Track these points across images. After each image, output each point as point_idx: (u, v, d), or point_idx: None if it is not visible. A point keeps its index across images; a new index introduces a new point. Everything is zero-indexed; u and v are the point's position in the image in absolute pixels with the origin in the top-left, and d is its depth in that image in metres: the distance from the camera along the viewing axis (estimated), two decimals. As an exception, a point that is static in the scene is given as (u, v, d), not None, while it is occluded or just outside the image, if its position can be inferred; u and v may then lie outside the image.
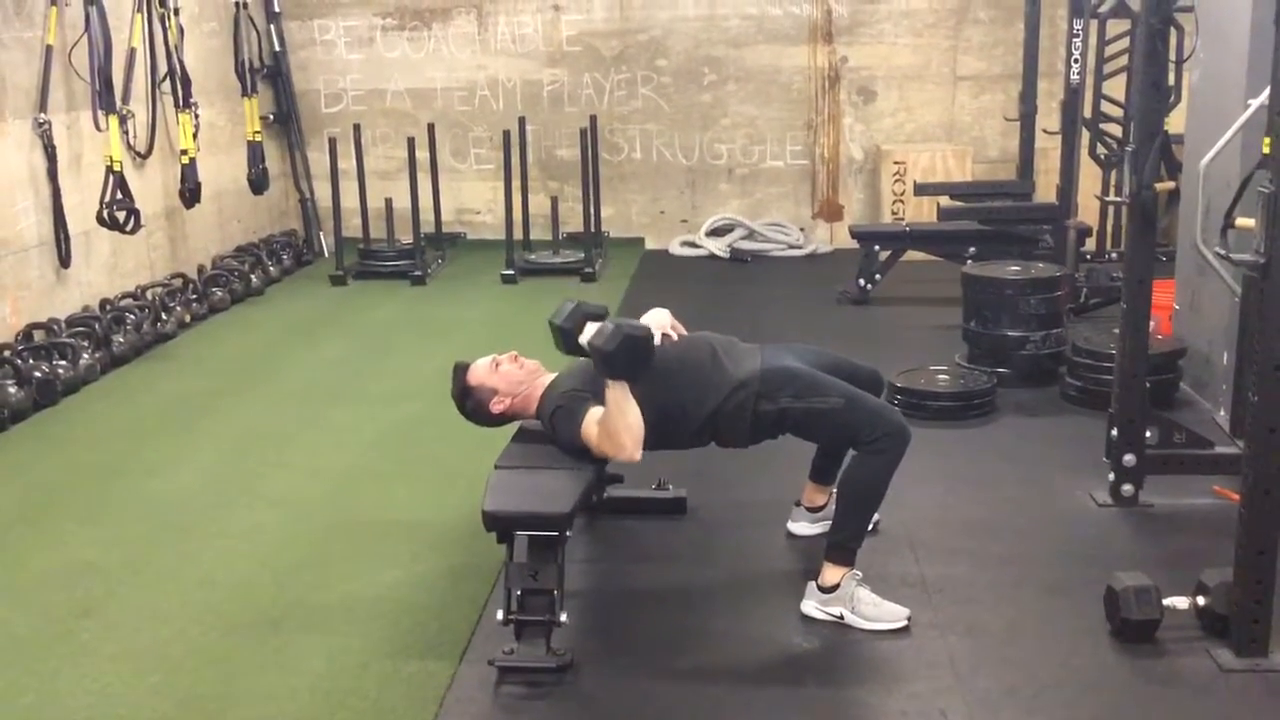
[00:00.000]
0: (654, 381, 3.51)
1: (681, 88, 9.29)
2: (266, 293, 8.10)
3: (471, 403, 3.76)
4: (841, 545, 3.51)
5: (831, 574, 3.48)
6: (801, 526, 4.04)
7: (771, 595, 3.67)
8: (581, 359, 3.66)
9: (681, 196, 9.47)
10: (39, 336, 6.05)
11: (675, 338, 3.73)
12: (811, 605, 3.50)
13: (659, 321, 3.74)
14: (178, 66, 7.38)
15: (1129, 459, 4.19)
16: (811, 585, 3.51)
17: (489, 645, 3.32)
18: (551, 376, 3.76)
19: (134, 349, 6.45)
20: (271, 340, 6.97)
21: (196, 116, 7.56)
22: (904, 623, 3.44)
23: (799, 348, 3.80)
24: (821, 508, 3.96)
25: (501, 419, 3.77)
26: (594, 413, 3.46)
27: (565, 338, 3.54)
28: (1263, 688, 3.10)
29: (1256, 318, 3.15)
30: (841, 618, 3.45)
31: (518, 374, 3.73)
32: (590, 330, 3.45)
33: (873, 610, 3.44)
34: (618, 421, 3.38)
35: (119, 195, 6.66)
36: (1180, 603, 3.30)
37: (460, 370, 3.78)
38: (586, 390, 3.53)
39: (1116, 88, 7.19)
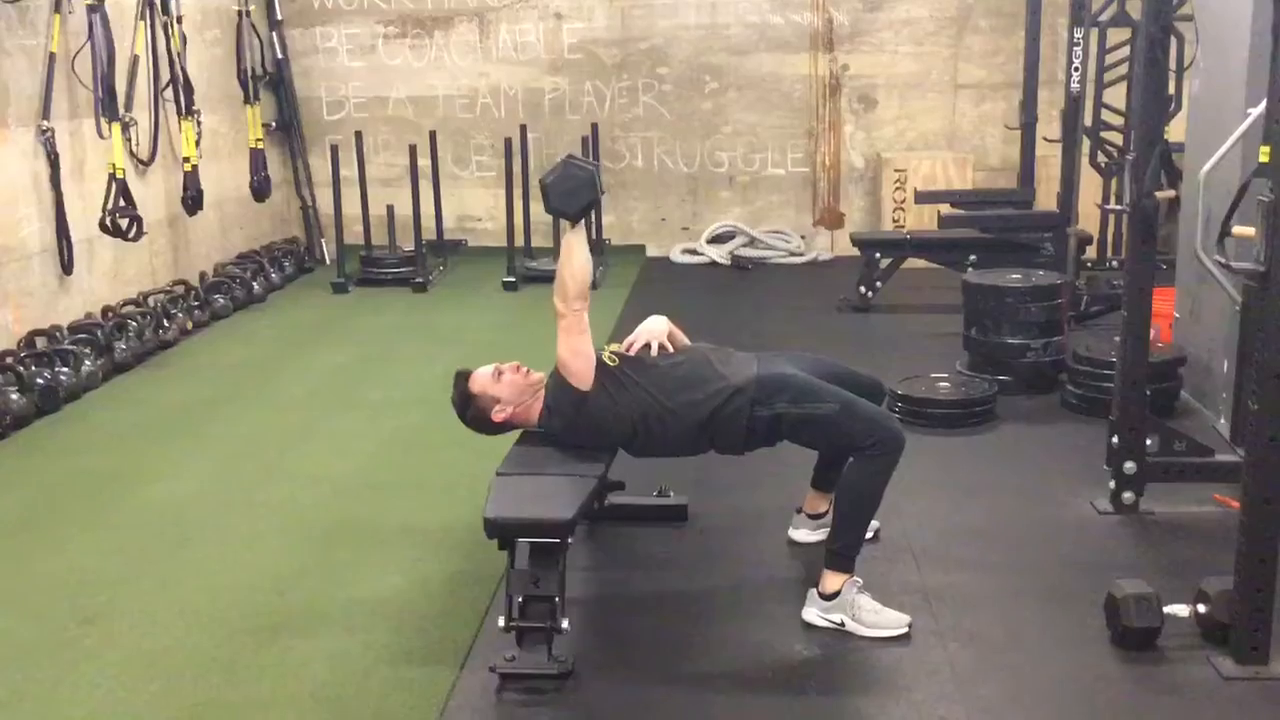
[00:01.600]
0: (652, 387, 3.53)
1: (683, 96, 9.30)
2: (268, 300, 8.11)
3: (473, 411, 3.76)
4: (841, 552, 3.51)
5: (832, 581, 3.48)
6: (803, 534, 4.04)
7: (772, 603, 3.67)
8: None
9: (683, 204, 9.48)
10: (41, 343, 6.05)
11: (670, 349, 3.74)
12: (812, 612, 3.51)
13: (654, 329, 3.75)
14: (180, 74, 7.39)
15: (1130, 467, 4.19)
16: (812, 593, 3.52)
17: (490, 652, 3.32)
18: (553, 384, 3.76)
19: (136, 356, 6.45)
20: (273, 347, 6.98)
21: (199, 124, 7.58)
22: (905, 630, 3.44)
23: (798, 355, 3.82)
24: (823, 514, 3.97)
25: (503, 428, 3.78)
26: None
27: (543, 190, 3.59)
28: (1263, 696, 3.10)
29: (1257, 326, 3.16)
30: (842, 625, 3.45)
31: (521, 383, 3.73)
32: None
33: (873, 617, 3.44)
34: (563, 265, 3.50)
35: (121, 202, 6.67)
36: (1181, 610, 3.30)
37: (461, 378, 3.78)
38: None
39: (1117, 96, 7.20)
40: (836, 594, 3.47)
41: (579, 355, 3.55)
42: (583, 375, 3.56)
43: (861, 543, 3.55)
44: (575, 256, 3.50)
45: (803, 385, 3.56)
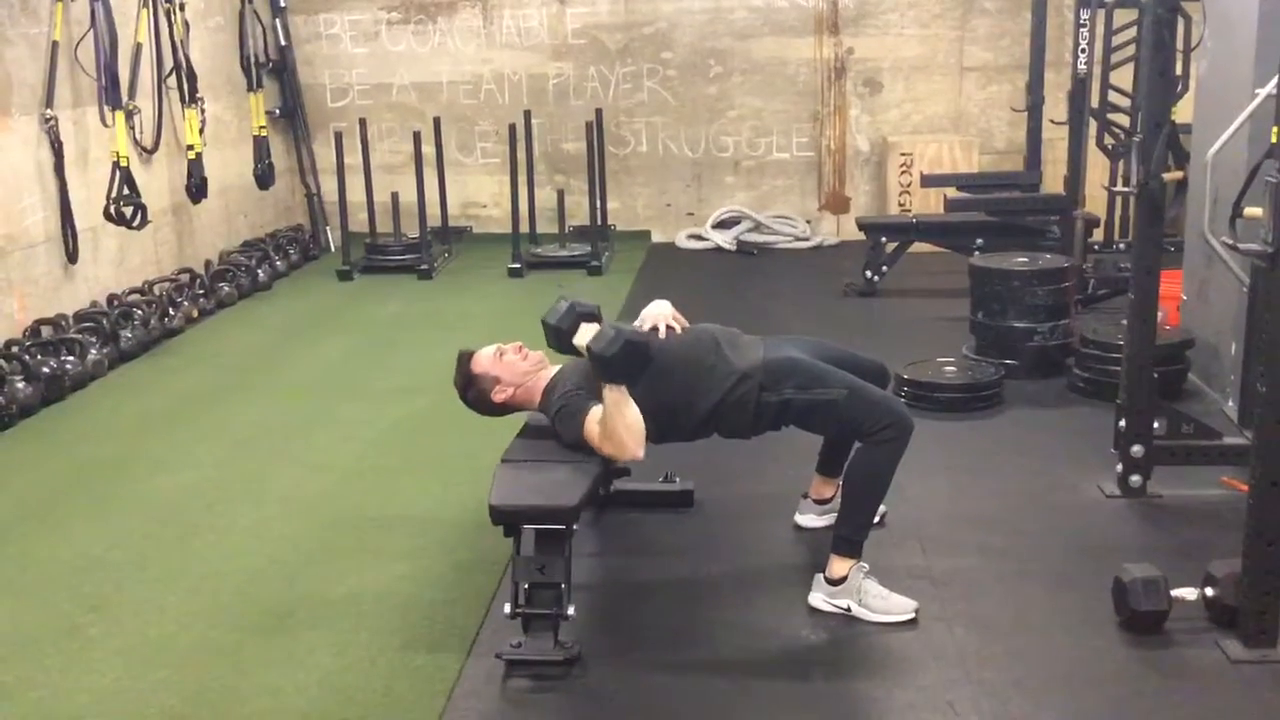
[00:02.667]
0: (657, 375, 3.52)
1: (687, 80, 9.27)
2: (273, 288, 8.11)
3: (474, 391, 3.75)
4: (848, 538, 3.50)
5: (839, 566, 3.48)
6: (809, 519, 4.04)
7: (779, 588, 3.66)
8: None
9: (688, 189, 9.46)
10: (47, 332, 6.07)
11: (678, 330, 3.73)
12: (819, 598, 3.50)
13: (660, 313, 3.74)
14: (183, 61, 7.39)
15: (1137, 450, 4.18)
16: (819, 578, 3.51)
17: (496, 639, 3.32)
18: (555, 369, 3.75)
19: (141, 344, 6.46)
20: (278, 335, 6.98)
21: (202, 112, 7.57)
22: (911, 615, 3.43)
23: (803, 340, 3.80)
24: (829, 500, 3.96)
25: (503, 409, 3.77)
26: (595, 413, 3.46)
27: (559, 338, 3.53)
28: (1271, 679, 3.09)
29: (1264, 308, 3.14)
30: (849, 610, 3.45)
31: (522, 365, 3.73)
32: (587, 333, 3.44)
33: (880, 603, 3.44)
34: (617, 423, 3.38)
35: (125, 191, 6.68)
36: (1188, 594, 3.29)
37: (464, 358, 3.78)
38: (590, 389, 3.53)
39: (1124, 78, 7.16)
40: (843, 579, 3.46)
41: (634, 431, 3.44)
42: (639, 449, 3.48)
43: (869, 528, 3.55)
44: (628, 413, 3.39)
45: (810, 370, 3.55)
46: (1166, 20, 3.90)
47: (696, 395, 3.56)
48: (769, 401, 3.53)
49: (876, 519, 3.74)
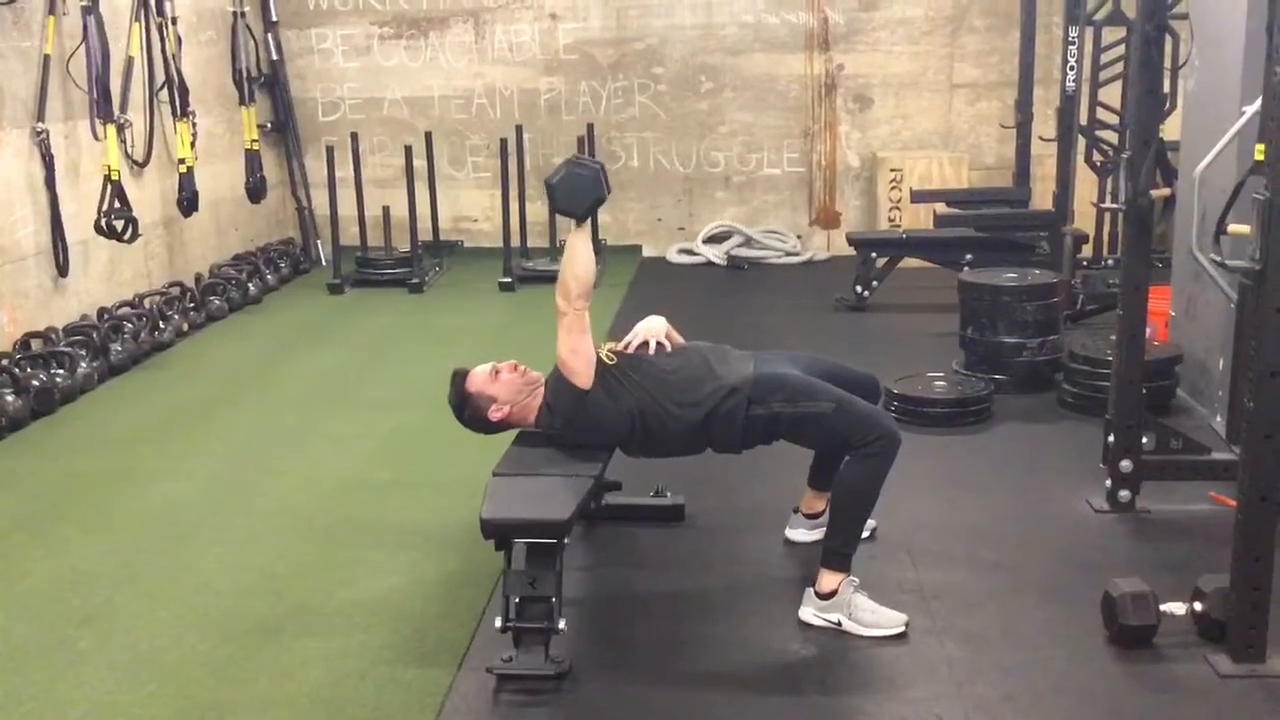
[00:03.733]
0: (650, 386, 3.54)
1: (678, 96, 9.30)
2: (264, 301, 8.10)
3: (469, 410, 3.76)
4: (837, 551, 3.51)
5: (829, 580, 3.49)
6: (800, 533, 4.04)
7: (769, 602, 3.67)
8: None
9: (679, 204, 9.49)
10: (37, 345, 6.05)
11: (668, 347, 3.74)
12: (809, 612, 3.51)
13: (651, 329, 3.76)
14: (175, 75, 7.39)
15: (1126, 465, 4.19)
16: (809, 592, 3.52)
17: (487, 653, 3.32)
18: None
19: (132, 358, 6.45)
20: (269, 349, 6.97)
21: (194, 125, 7.57)
22: (901, 629, 3.44)
23: (795, 355, 3.82)
24: (819, 514, 3.97)
25: (499, 427, 3.77)
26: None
27: (550, 192, 3.59)
28: (1260, 693, 3.10)
29: (1252, 324, 3.16)
30: (839, 624, 3.46)
31: (519, 382, 3.73)
32: None
33: (870, 616, 3.45)
34: (565, 264, 3.51)
35: (117, 204, 6.67)
36: (1177, 608, 3.30)
37: (459, 377, 3.78)
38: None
39: (1112, 95, 7.21)
40: (833, 593, 3.47)
41: (579, 354, 3.55)
42: (583, 374, 3.56)
43: (858, 542, 3.56)
44: (580, 255, 3.52)
45: (799, 384, 3.56)
46: (1154, 38, 3.93)
47: (686, 409, 3.57)
48: (758, 415, 3.55)
49: (866, 533, 3.75)
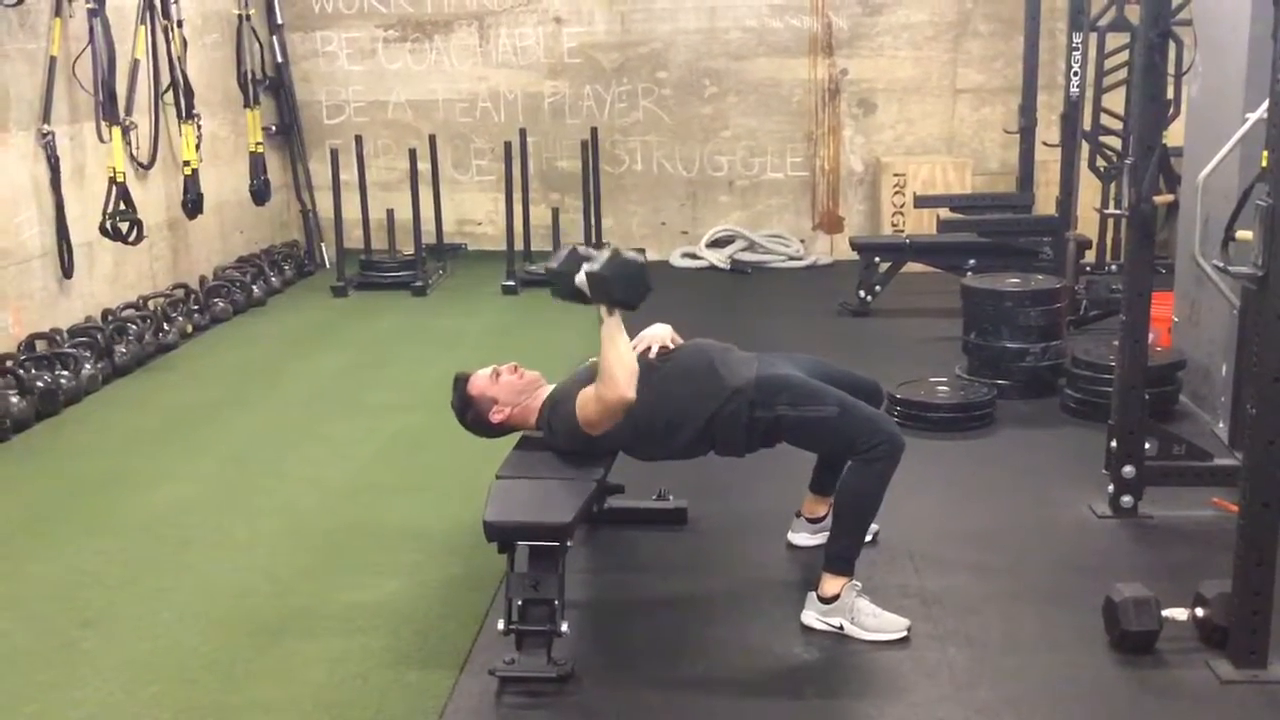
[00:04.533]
0: (653, 390, 3.54)
1: (682, 100, 9.31)
2: (268, 303, 8.12)
3: (472, 413, 3.77)
4: (840, 556, 3.52)
5: (831, 585, 3.49)
6: (802, 537, 4.04)
7: (771, 606, 3.67)
8: (581, 368, 3.70)
9: (682, 208, 9.49)
10: (41, 346, 6.06)
11: (672, 349, 3.74)
12: (811, 616, 3.51)
13: (657, 334, 3.76)
14: (180, 78, 7.41)
15: (1128, 470, 4.20)
16: (811, 596, 3.52)
17: (490, 655, 3.32)
18: (551, 388, 3.77)
19: (136, 359, 6.46)
20: (273, 351, 6.98)
21: (199, 128, 7.59)
22: (904, 633, 3.44)
23: (798, 358, 3.82)
24: (822, 518, 3.97)
25: (501, 429, 3.79)
26: (586, 389, 3.50)
27: (561, 281, 3.52)
28: (1261, 699, 3.10)
29: (1255, 330, 3.16)
30: (841, 628, 3.46)
31: (518, 384, 3.75)
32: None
33: (872, 621, 3.45)
34: (609, 357, 3.40)
35: (122, 206, 6.68)
36: (1179, 614, 3.31)
37: (461, 381, 3.79)
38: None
39: (1116, 101, 7.21)
40: (836, 597, 3.47)
41: (607, 424, 3.52)
42: (600, 431, 3.54)
43: (861, 546, 3.56)
44: (621, 344, 3.44)
45: (803, 387, 3.56)
46: (1158, 44, 3.93)
47: (690, 411, 3.57)
48: (761, 418, 3.54)
49: (869, 538, 3.75)
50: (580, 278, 3.44)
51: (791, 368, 3.67)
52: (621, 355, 3.43)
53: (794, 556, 4.02)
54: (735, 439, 3.60)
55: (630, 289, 3.42)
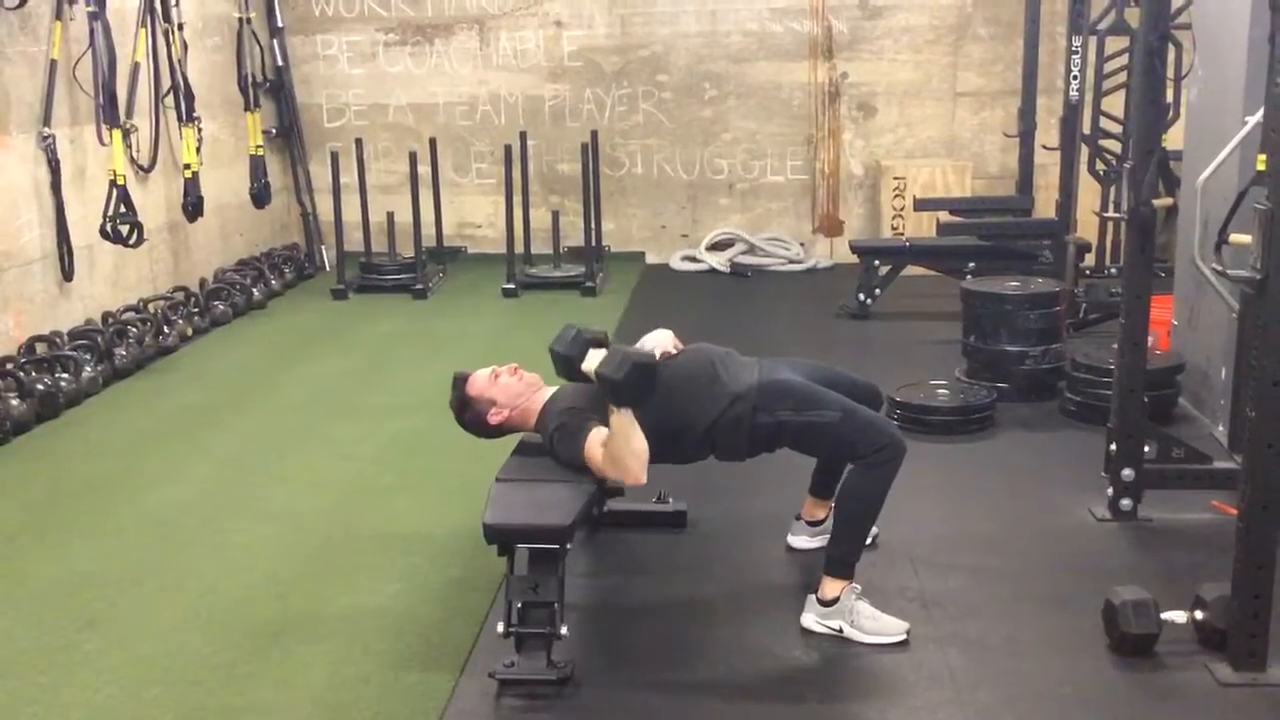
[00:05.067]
0: (656, 396, 3.53)
1: (682, 103, 9.32)
2: (268, 306, 8.12)
3: (470, 414, 3.77)
4: (840, 559, 3.52)
5: (831, 588, 3.49)
6: (801, 540, 4.05)
7: (771, 609, 3.67)
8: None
9: (682, 211, 9.50)
10: (41, 349, 6.07)
11: (674, 354, 3.75)
12: (811, 619, 3.51)
13: (662, 342, 3.76)
14: (181, 81, 7.41)
15: (1127, 474, 4.20)
16: (811, 599, 3.52)
17: (490, 658, 3.33)
18: (551, 390, 3.77)
19: (136, 362, 6.46)
20: (273, 354, 6.99)
21: (199, 130, 7.59)
22: (903, 636, 3.45)
23: (797, 362, 3.82)
24: (821, 521, 3.98)
25: (499, 430, 3.79)
26: (597, 434, 3.47)
27: (567, 365, 3.57)
28: (1260, 702, 3.11)
29: (1254, 333, 3.17)
30: (841, 631, 3.46)
31: (517, 386, 3.75)
32: (595, 358, 3.48)
33: (872, 624, 3.45)
34: (623, 447, 3.40)
35: (122, 209, 6.68)
36: (1178, 617, 3.31)
37: (459, 381, 3.80)
38: (588, 409, 3.55)
39: (1115, 104, 7.22)
40: (835, 600, 3.47)
41: (641, 462, 3.49)
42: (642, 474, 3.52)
43: (861, 550, 3.56)
44: (634, 438, 3.41)
45: (804, 392, 3.56)
46: (1157, 48, 3.94)
47: (692, 417, 3.58)
48: (763, 423, 3.55)
49: (869, 541, 3.75)
50: (588, 366, 3.49)
51: (792, 372, 3.68)
52: (635, 449, 3.40)
53: (794, 559, 4.02)
54: (737, 444, 3.60)
55: (641, 392, 3.42)
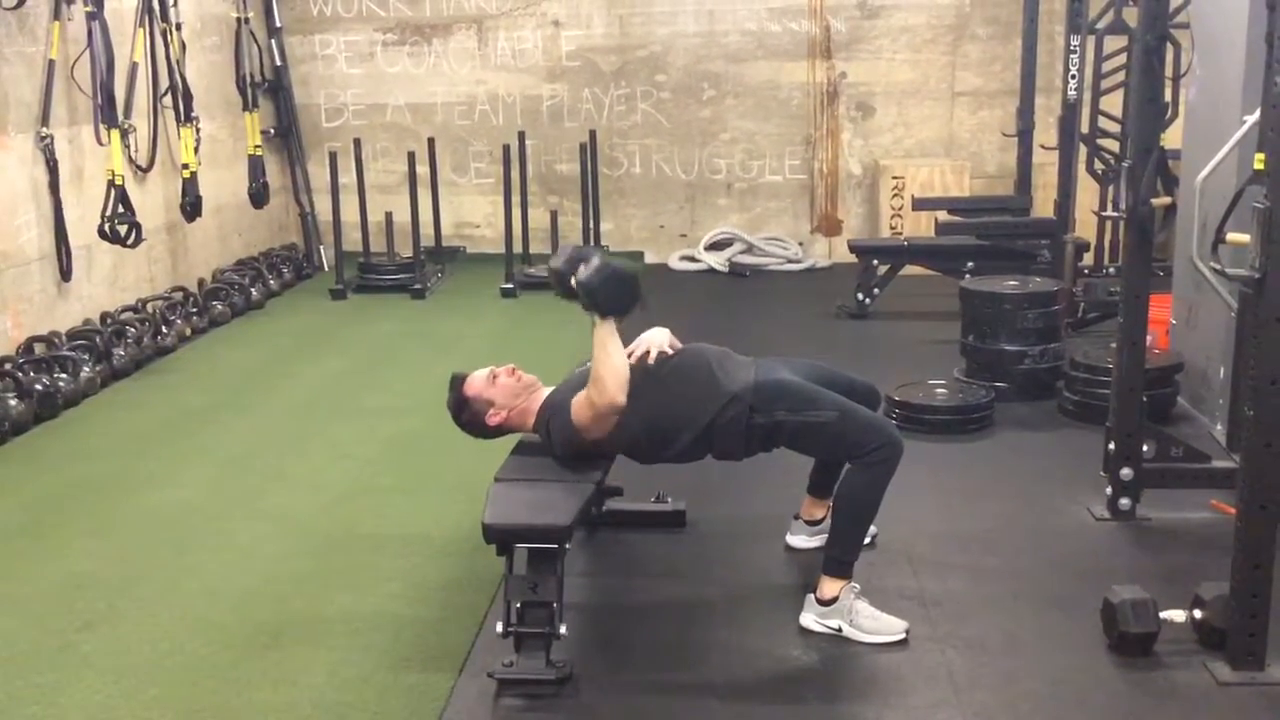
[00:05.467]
0: (652, 395, 3.55)
1: (681, 103, 9.32)
2: (266, 306, 8.12)
3: (468, 415, 3.77)
4: (838, 559, 3.52)
5: (829, 587, 3.49)
6: (800, 539, 4.05)
7: (770, 609, 3.67)
8: (578, 370, 3.71)
9: (680, 211, 9.50)
10: (40, 349, 6.06)
11: (670, 354, 3.75)
12: (810, 618, 3.51)
13: (655, 339, 3.75)
14: (179, 81, 7.41)
15: (1126, 473, 4.20)
16: (810, 598, 3.52)
17: (488, 658, 3.33)
18: (549, 390, 3.77)
19: (134, 362, 6.46)
20: (271, 354, 6.99)
21: (198, 131, 7.59)
22: (902, 635, 3.45)
23: (795, 362, 3.82)
24: (820, 521, 3.98)
25: (497, 431, 3.79)
26: (580, 394, 3.52)
27: (560, 280, 3.54)
28: (1259, 701, 3.11)
29: (1252, 333, 3.17)
30: (840, 630, 3.46)
31: (515, 386, 3.75)
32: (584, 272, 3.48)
33: (871, 623, 3.45)
34: (601, 361, 3.42)
35: (120, 209, 6.68)
36: (1177, 616, 3.31)
37: (457, 382, 3.80)
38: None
39: (1114, 103, 7.22)
40: (834, 600, 3.47)
41: (599, 429, 3.55)
42: (595, 435, 3.56)
43: (859, 549, 3.57)
44: (612, 353, 3.46)
45: (801, 392, 3.56)
46: (1156, 47, 3.94)
47: (689, 416, 3.58)
48: (760, 423, 3.55)
49: (867, 540, 3.76)
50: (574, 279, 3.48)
51: (790, 372, 3.67)
52: (612, 361, 3.44)
53: (792, 559, 4.02)
54: (734, 444, 3.60)
55: (618, 299, 3.45)
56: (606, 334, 3.44)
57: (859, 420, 3.52)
